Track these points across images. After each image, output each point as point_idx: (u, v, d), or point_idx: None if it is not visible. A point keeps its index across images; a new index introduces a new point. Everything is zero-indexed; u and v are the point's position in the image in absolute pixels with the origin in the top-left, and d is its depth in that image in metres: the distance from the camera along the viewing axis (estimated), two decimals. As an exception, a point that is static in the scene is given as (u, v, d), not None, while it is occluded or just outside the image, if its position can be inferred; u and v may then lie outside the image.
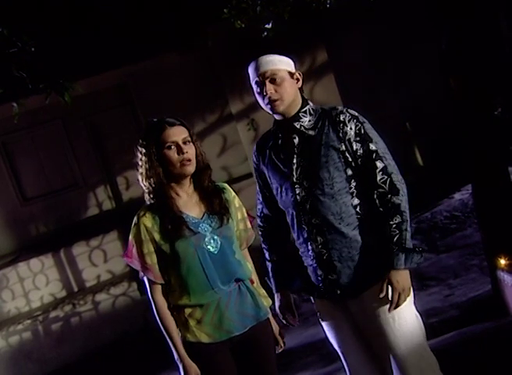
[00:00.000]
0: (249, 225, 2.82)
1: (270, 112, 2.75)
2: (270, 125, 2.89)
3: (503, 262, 4.36)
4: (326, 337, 2.93)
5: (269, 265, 2.92)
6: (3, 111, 5.67)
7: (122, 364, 6.68)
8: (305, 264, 2.78)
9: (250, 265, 2.81)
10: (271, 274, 2.91)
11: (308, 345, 5.42)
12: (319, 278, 2.73)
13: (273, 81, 2.68)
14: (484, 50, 4.56)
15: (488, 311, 4.64)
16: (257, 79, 2.71)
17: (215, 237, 2.65)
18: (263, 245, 2.93)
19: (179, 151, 2.62)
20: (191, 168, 2.64)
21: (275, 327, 2.82)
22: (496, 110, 5.78)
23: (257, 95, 2.76)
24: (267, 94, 2.68)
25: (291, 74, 2.72)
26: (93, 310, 7.41)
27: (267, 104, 2.71)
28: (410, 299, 2.69)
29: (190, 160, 2.63)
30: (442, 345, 4.01)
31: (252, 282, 2.78)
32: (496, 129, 4.63)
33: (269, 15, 4.53)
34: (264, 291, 2.83)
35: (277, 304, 2.91)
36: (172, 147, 2.62)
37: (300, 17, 5.08)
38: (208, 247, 2.63)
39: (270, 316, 2.80)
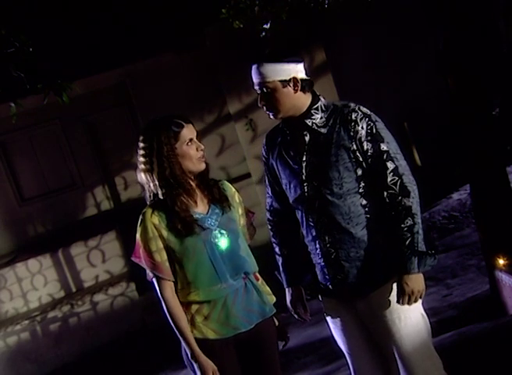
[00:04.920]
0: (250, 221, 2.84)
1: None
2: (268, 125, 2.88)
3: (501, 262, 4.37)
4: (331, 336, 2.92)
5: (279, 259, 2.88)
6: (1, 111, 5.65)
7: (120, 364, 6.68)
8: (313, 262, 2.76)
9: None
10: (281, 268, 2.87)
11: (307, 345, 5.41)
12: (327, 277, 2.71)
13: (265, 93, 2.64)
14: (482, 50, 4.56)
15: (486, 311, 4.64)
16: (254, 86, 2.69)
17: (223, 231, 2.67)
18: (273, 239, 2.88)
19: (197, 147, 2.67)
20: (204, 164, 2.70)
21: (278, 324, 2.82)
22: (494, 110, 5.78)
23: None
24: (261, 105, 2.68)
25: (284, 83, 2.62)
26: (91, 310, 7.40)
27: (265, 111, 2.69)
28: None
29: (204, 156, 2.69)
30: (441, 345, 4.00)
31: (257, 279, 2.78)
32: (494, 129, 4.63)
33: (267, 15, 4.52)
34: (268, 289, 2.83)
35: (288, 298, 2.88)
36: (190, 143, 2.66)
37: (298, 17, 5.08)
38: (216, 240, 2.65)
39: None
